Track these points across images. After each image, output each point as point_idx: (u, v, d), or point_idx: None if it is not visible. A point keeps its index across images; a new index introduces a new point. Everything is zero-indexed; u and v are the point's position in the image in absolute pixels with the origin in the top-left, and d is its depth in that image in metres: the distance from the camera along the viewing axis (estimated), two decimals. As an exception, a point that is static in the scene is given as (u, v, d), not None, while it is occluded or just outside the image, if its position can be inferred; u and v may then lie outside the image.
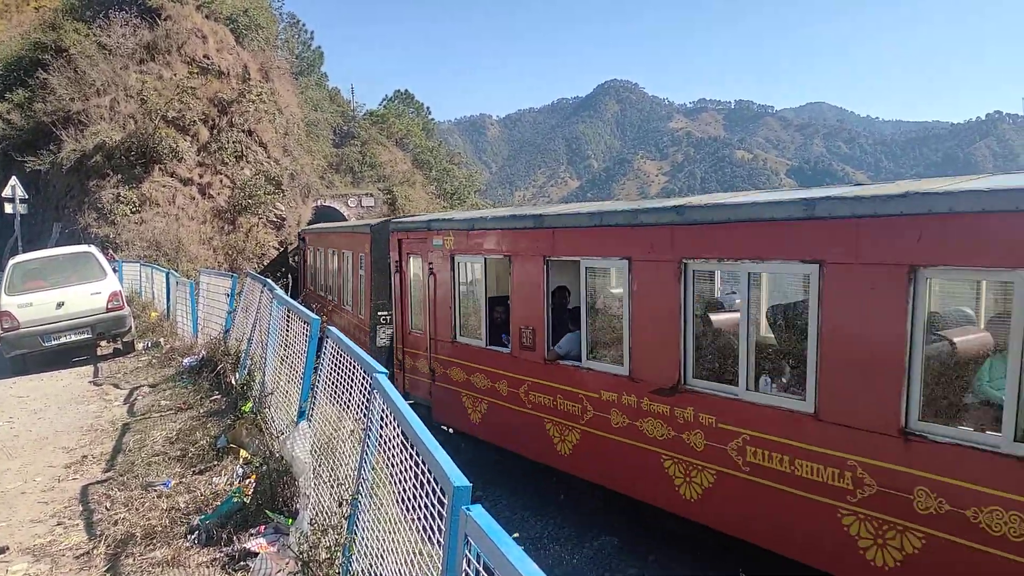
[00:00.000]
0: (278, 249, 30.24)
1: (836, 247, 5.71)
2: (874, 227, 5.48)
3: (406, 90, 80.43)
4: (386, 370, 4.01)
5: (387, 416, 3.55)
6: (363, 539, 3.68)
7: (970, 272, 5.29)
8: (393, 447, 3.42)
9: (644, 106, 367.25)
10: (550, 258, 8.79)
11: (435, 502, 2.61)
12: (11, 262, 13.53)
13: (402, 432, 3.21)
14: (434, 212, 22.80)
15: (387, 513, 3.42)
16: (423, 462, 2.81)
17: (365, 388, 4.18)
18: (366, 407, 4.02)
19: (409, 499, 3.02)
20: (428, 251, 11.11)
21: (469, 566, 2.17)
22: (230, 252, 28.02)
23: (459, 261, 10.57)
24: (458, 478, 2.37)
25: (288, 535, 5.00)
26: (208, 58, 29.73)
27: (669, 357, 7.16)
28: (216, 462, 6.94)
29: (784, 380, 6.45)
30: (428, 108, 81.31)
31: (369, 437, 3.80)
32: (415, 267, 11.86)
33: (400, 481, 3.21)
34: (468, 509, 2.17)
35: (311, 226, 28.31)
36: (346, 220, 46.69)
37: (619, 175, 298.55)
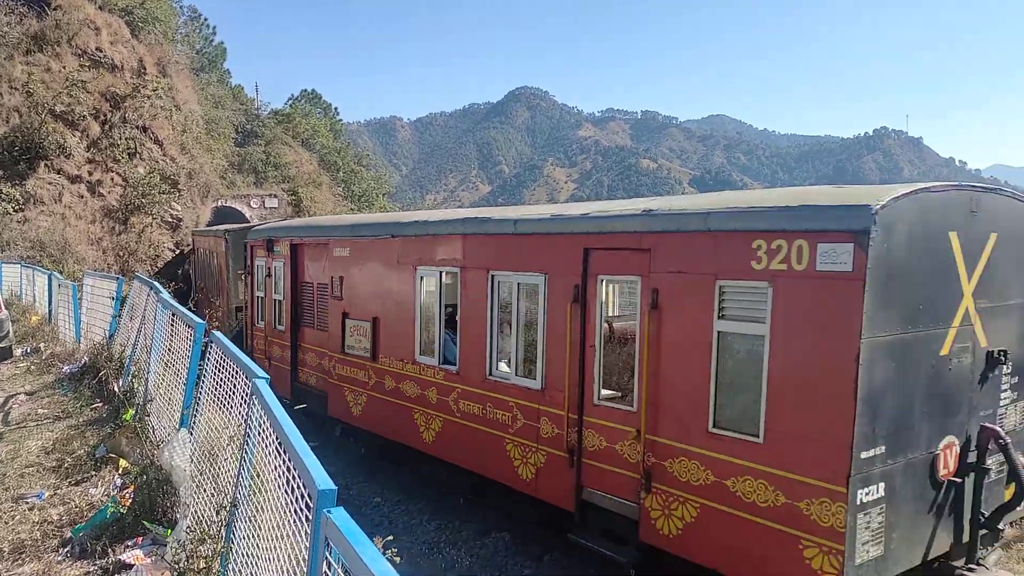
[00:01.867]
0: (173, 251, 29.15)
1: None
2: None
3: (313, 89, 78.67)
4: (267, 375, 3.96)
5: (264, 422, 3.51)
6: (240, 547, 3.62)
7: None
8: (270, 453, 3.39)
9: (554, 113, 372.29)
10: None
11: (303, 507, 2.61)
12: None
13: (277, 438, 3.18)
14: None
15: (265, 519, 3.38)
16: (294, 467, 2.80)
17: (247, 394, 4.12)
18: (247, 413, 3.96)
19: (283, 505, 2.99)
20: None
21: (330, 568, 2.18)
22: (121, 253, 26.83)
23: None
24: (323, 481, 2.38)
25: (165, 545, 4.86)
26: (101, 51, 28.45)
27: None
28: (94, 472, 6.65)
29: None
30: (336, 108, 79.83)
31: (248, 443, 3.75)
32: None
33: (277, 487, 3.19)
34: (329, 512, 2.19)
35: (199, 228, 27.71)
36: (248, 221, 45.42)
37: (530, 181, 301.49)
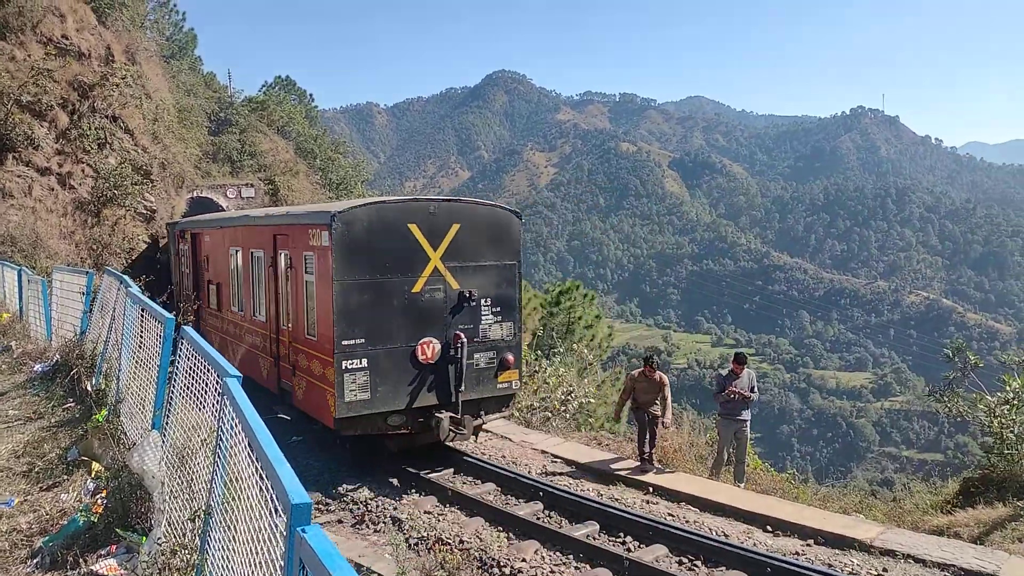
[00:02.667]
0: (148, 243, 28.60)
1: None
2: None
3: (287, 76, 77.60)
4: (239, 374, 3.73)
5: (236, 425, 3.29)
6: (216, 558, 3.41)
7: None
8: (243, 459, 3.17)
9: (532, 97, 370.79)
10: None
11: (276, 522, 2.40)
12: None
13: (248, 442, 2.97)
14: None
15: (240, 530, 3.17)
16: (267, 476, 2.59)
17: (218, 393, 3.89)
18: (219, 414, 3.73)
19: (258, 515, 2.78)
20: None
21: (306, 593, 1.99)
22: (95, 247, 26.23)
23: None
24: (298, 494, 2.17)
25: (139, 554, 4.63)
26: (67, 38, 27.71)
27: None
28: (66, 476, 6.39)
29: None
30: (311, 95, 78.89)
31: (221, 447, 3.53)
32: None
33: (249, 497, 2.97)
34: (304, 531, 1.98)
35: (174, 220, 27.53)
36: (224, 211, 45.17)
37: (509, 166, 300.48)
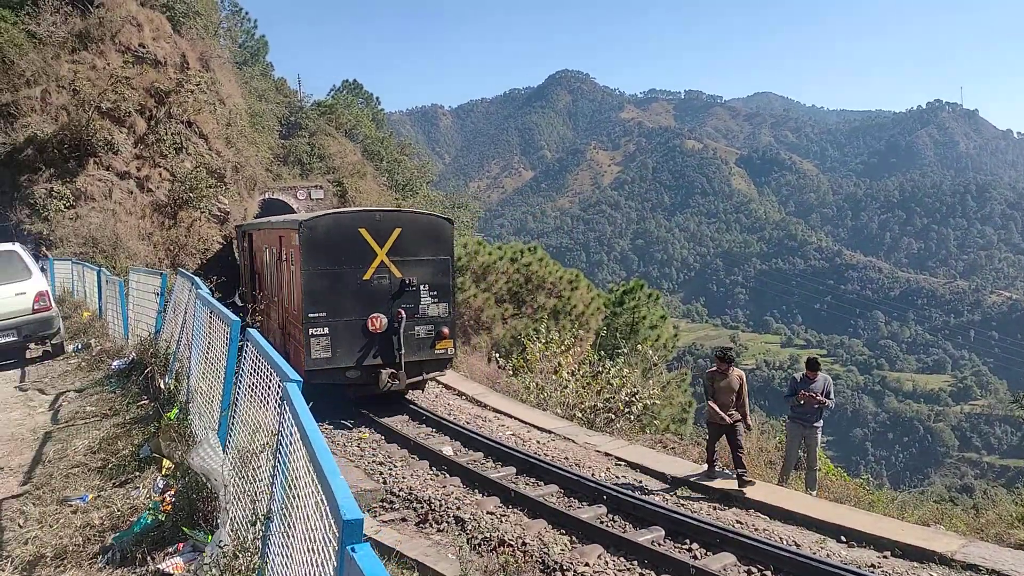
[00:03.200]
0: (222, 244, 29.43)
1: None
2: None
3: (355, 80, 79.05)
4: (300, 379, 3.73)
5: (293, 430, 3.28)
6: (275, 563, 3.41)
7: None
8: (300, 467, 3.15)
9: (596, 96, 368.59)
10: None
11: (330, 536, 2.35)
12: (-71, 263, 12.77)
13: (306, 450, 2.94)
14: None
15: (298, 538, 3.15)
16: (321, 488, 2.55)
17: (279, 398, 3.89)
18: (279, 419, 3.73)
19: (312, 526, 2.75)
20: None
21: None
22: (171, 248, 27.14)
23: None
24: (350, 510, 2.12)
25: (205, 553, 4.69)
26: (144, 47, 28.72)
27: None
28: (137, 473, 6.56)
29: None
30: (378, 98, 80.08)
31: (281, 452, 3.53)
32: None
33: (306, 505, 2.95)
34: (354, 549, 1.93)
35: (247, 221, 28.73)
36: (295, 212, 46.90)
37: (572, 165, 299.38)
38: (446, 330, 14.41)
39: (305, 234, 13.37)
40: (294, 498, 3.24)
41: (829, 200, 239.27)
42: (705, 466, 11.00)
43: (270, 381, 4.40)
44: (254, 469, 4.33)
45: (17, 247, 13.67)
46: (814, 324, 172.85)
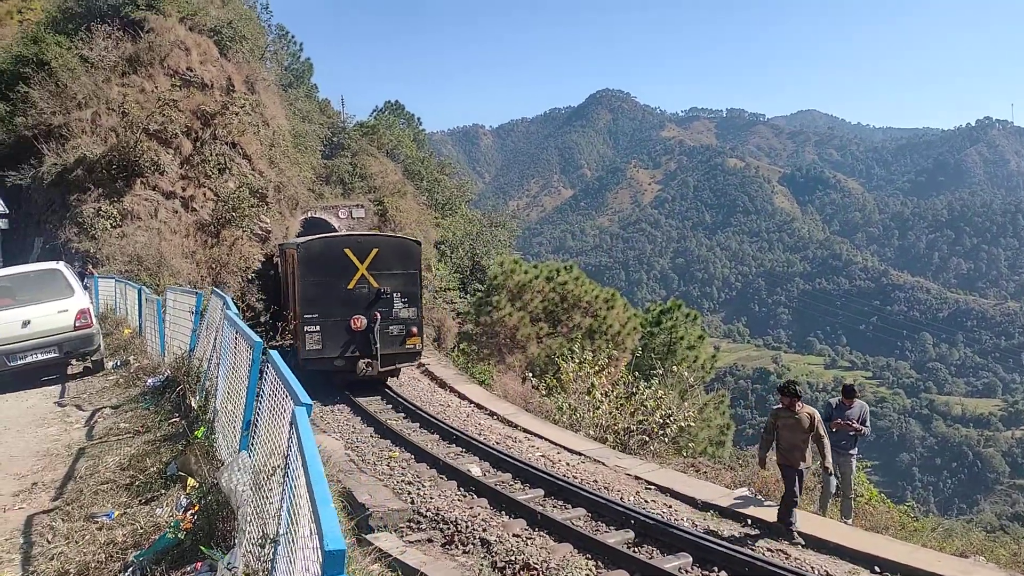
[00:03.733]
0: (262, 262, 29.93)
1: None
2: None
3: (396, 101, 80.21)
4: (310, 402, 3.75)
5: (296, 454, 3.29)
6: (280, 588, 3.42)
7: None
8: (302, 493, 3.15)
9: (636, 115, 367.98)
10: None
11: (317, 567, 2.34)
12: (-25, 280, 13.19)
13: (304, 475, 2.95)
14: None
15: (298, 566, 3.15)
16: (312, 513, 2.55)
17: (289, 421, 3.92)
18: (288, 443, 3.76)
19: (307, 555, 2.75)
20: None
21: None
22: (213, 266, 27.66)
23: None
24: (333, 540, 2.11)
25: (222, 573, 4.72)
26: (191, 70, 29.49)
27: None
28: (163, 491, 6.65)
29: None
30: (419, 119, 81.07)
31: (289, 476, 3.55)
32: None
33: (305, 533, 2.95)
34: (333, 583, 1.92)
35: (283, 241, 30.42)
36: (336, 231, 48.65)
37: (612, 184, 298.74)
38: (415, 329, 18.14)
39: (303, 253, 17.82)
40: (295, 523, 3.25)
41: (875, 219, 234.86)
42: (741, 491, 10.79)
43: (285, 404, 4.44)
44: (267, 491, 4.35)
45: (61, 265, 14.05)
46: (859, 345, 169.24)
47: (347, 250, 17.60)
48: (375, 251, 17.77)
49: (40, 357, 12.85)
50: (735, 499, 10.63)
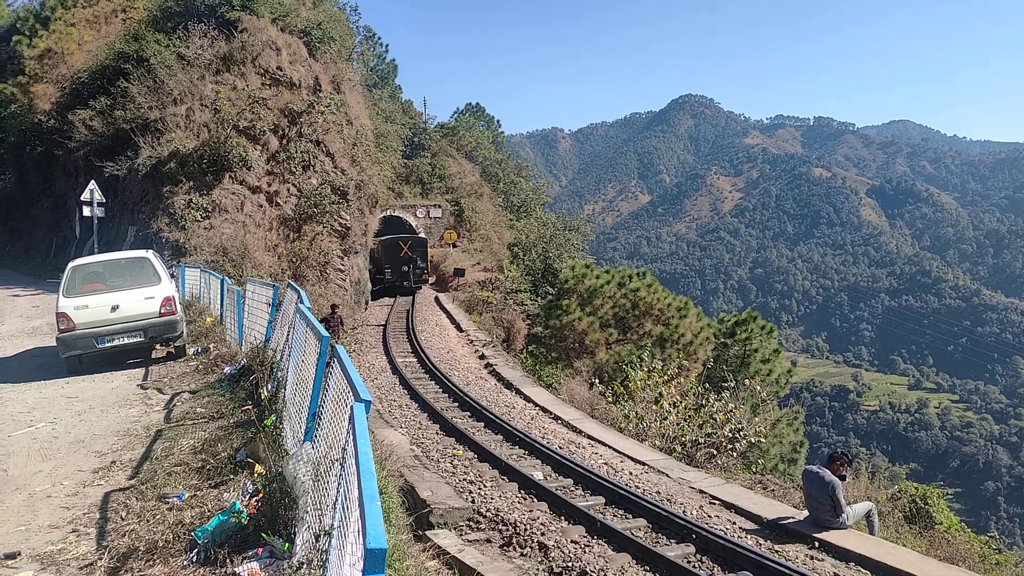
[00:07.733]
0: (341, 258, 30.66)
1: None
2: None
3: (477, 103, 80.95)
4: (370, 399, 3.81)
5: (351, 450, 3.35)
6: (332, 580, 3.47)
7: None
8: (354, 488, 3.20)
9: (719, 121, 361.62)
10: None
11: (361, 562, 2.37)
12: (70, 265, 13.87)
13: (356, 471, 2.99)
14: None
15: (346, 561, 3.19)
16: (359, 511, 2.58)
17: (348, 417, 3.99)
18: (346, 439, 3.82)
19: (353, 551, 2.79)
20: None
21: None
22: (294, 259, 28.52)
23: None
24: (375, 539, 2.13)
25: (282, 560, 4.85)
26: (281, 69, 30.45)
27: None
28: (232, 476, 6.86)
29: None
30: (498, 121, 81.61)
31: (345, 471, 3.61)
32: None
33: (357, 529, 2.99)
34: (371, 581, 1.94)
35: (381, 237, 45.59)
36: (413, 229, 51.99)
37: (691, 190, 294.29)
38: (426, 272, 42.69)
39: (377, 246, 40.12)
40: (348, 517, 3.30)
41: (968, 236, 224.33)
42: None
43: (347, 398, 4.52)
44: (326, 483, 4.45)
45: (149, 254, 14.69)
46: (946, 367, 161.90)
47: (400, 242, 42.20)
48: (409, 242, 42.49)
49: (126, 341, 13.46)
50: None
